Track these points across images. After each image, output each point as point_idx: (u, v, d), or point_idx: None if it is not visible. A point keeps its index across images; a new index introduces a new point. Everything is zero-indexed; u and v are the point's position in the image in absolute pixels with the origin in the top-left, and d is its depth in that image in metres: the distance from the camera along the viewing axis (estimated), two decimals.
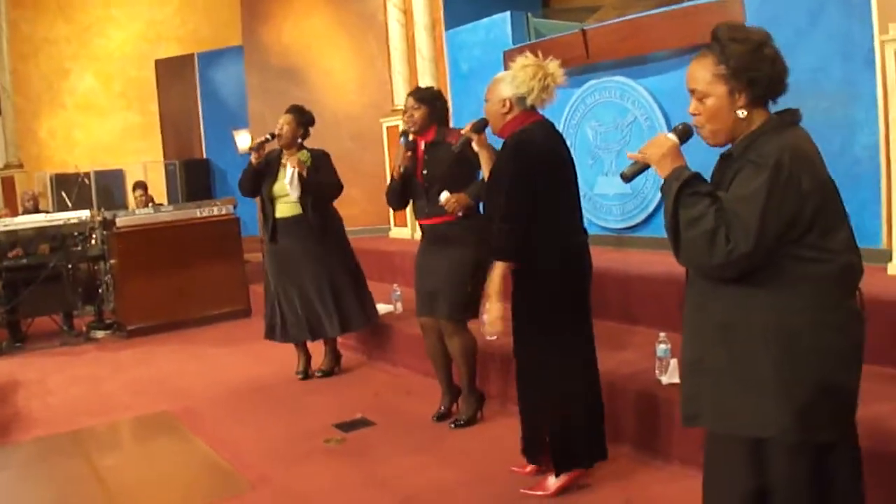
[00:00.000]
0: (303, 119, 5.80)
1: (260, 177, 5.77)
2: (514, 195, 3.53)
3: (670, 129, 2.41)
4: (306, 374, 6.03)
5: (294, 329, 5.89)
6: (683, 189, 2.22)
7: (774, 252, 2.14)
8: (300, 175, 5.59)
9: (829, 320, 2.18)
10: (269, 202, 5.79)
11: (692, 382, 2.36)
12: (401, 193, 4.85)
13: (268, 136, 5.73)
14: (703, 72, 2.26)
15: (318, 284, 5.82)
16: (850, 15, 4.83)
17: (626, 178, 2.50)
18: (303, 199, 5.70)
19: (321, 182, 5.71)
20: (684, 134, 2.36)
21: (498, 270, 3.57)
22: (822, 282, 2.16)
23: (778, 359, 2.17)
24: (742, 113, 2.23)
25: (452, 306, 4.58)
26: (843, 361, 2.21)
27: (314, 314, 5.84)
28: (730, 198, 2.16)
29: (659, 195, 5.44)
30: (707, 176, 2.33)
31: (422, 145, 4.72)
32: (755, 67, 2.20)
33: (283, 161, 5.74)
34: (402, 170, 4.73)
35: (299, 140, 5.78)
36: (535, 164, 3.53)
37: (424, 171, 4.69)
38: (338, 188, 5.84)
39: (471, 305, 4.57)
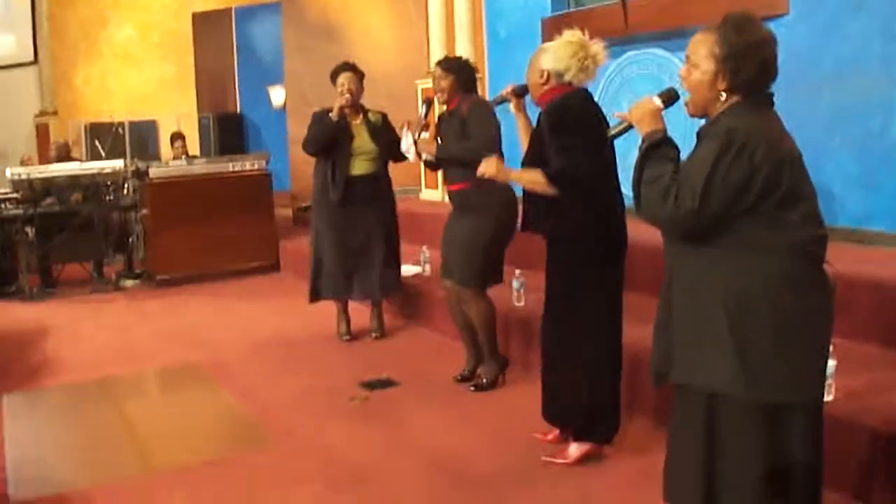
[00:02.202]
0: (361, 75, 5.75)
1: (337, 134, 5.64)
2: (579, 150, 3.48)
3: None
4: (352, 335, 5.94)
5: (363, 283, 5.78)
6: (652, 150, 2.39)
7: (731, 219, 2.26)
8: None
9: (786, 285, 2.29)
10: (345, 159, 5.64)
11: (662, 341, 2.48)
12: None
13: (347, 99, 5.58)
14: (702, 45, 2.39)
15: (386, 241, 5.77)
16: None
17: (610, 137, 2.69)
18: (380, 158, 5.71)
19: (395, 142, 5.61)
20: (669, 99, 2.52)
21: (530, 176, 3.61)
22: (779, 250, 2.27)
23: (734, 319, 2.29)
24: (722, 95, 2.36)
25: (465, 274, 4.62)
26: (800, 325, 2.31)
27: (388, 267, 5.80)
28: (685, 163, 2.34)
29: None
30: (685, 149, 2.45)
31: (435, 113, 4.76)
32: (744, 60, 2.31)
33: (355, 121, 5.68)
34: (418, 135, 4.89)
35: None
36: (581, 124, 3.52)
37: (438, 139, 4.80)
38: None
39: (486, 274, 4.62)
